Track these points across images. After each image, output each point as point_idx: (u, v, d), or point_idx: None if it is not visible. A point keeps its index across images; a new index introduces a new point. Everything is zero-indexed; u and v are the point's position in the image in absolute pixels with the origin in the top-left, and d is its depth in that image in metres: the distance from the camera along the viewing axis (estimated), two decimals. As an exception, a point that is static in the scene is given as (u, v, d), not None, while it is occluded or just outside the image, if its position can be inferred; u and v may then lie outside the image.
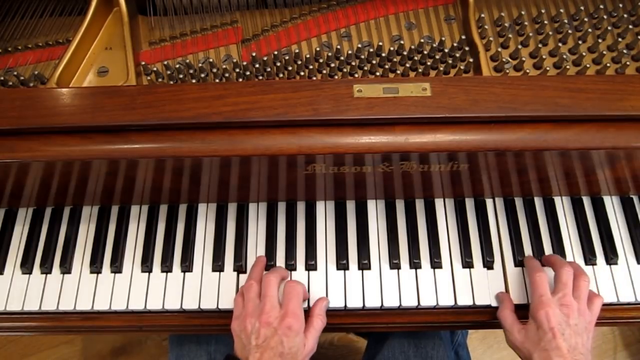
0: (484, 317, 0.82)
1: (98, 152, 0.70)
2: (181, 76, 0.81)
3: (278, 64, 0.82)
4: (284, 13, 0.88)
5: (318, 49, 0.83)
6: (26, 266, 0.84)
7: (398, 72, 0.81)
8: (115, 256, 0.84)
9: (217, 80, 0.81)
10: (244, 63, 0.82)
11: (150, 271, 0.83)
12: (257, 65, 0.80)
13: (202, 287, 0.82)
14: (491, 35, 0.84)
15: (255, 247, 0.84)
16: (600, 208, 0.87)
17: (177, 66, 0.82)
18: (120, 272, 0.83)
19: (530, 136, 0.69)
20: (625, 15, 0.85)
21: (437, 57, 0.82)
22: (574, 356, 0.68)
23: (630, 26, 0.84)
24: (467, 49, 0.82)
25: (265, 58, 0.82)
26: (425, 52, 0.83)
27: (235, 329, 0.73)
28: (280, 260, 0.83)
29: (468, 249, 0.83)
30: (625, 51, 0.83)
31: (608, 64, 0.81)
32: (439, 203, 0.87)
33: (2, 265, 0.85)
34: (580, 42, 0.83)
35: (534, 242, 0.84)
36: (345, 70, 0.82)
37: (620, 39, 0.83)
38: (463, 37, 0.83)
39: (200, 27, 0.87)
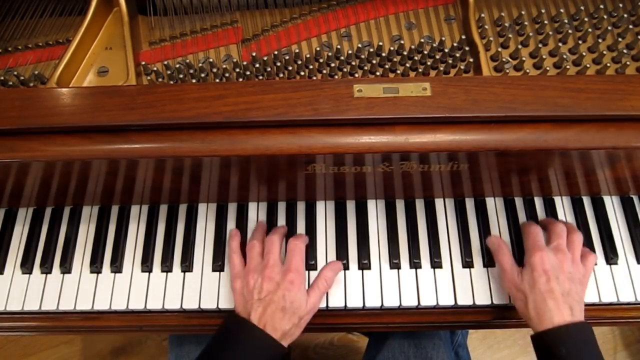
0: (484, 317, 0.82)
1: (98, 152, 0.70)
2: (181, 76, 0.81)
3: (278, 64, 0.82)
4: (284, 13, 0.88)
5: (318, 49, 0.83)
6: (26, 266, 0.84)
7: (398, 72, 0.81)
8: (115, 256, 0.84)
9: (217, 80, 0.81)
10: (244, 63, 0.82)
11: (150, 271, 0.83)
12: (257, 65, 0.80)
13: (202, 287, 0.82)
14: (491, 35, 0.84)
15: (255, 247, 0.84)
16: (600, 208, 0.87)
17: (177, 66, 0.82)
18: (120, 272, 0.83)
19: (530, 136, 0.69)
20: (625, 15, 0.85)
21: (437, 57, 0.82)
22: (567, 301, 0.69)
23: (630, 26, 0.84)
24: (467, 49, 0.82)
25: (265, 58, 0.82)
26: (425, 52, 0.83)
27: (236, 286, 0.75)
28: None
29: (468, 249, 0.83)
30: (625, 51, 0.83)
31: (608, 64, 0.81)
32: (439, 203, 0.87)
33: (2, 265, 0.85)
34: (580, 42, 0.83)
35: (534, 242, 0.84)
36: (345, 70, 0.82)
37: (620, 39, 0.83)
38: (463, 37, 0.83)
39: (200, 27, 0.87)
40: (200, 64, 0.83)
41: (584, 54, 0.81)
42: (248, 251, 0.78)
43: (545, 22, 0.85)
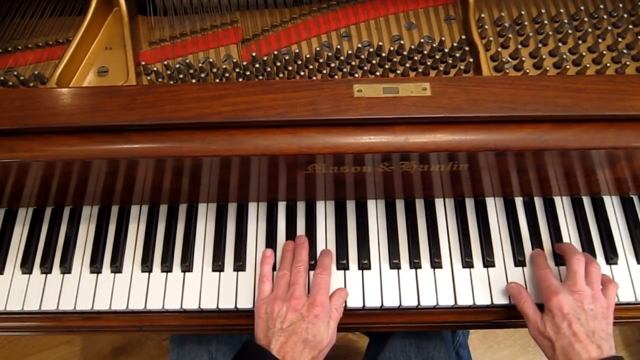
0: (484, 317, 0.82)
1: (98, 152, 0.70)
2: (181, 76, 0.81)
3: (278, 64, 0.82)
4: (284, 13, 0.88)
5: (318, 49, 0.83)
6: (26, 266, 0.84)
7: (398, 72, 0.81)
8: (115, 256, 0.84)
9: (217, 80, 0.81)
10: (244, 63, 0.82)
11: (150, 271, 0.83)
12: (257, 65, 0.80)
13: (202, 287, 0.82)
14: (491, 35, 0.84)
15: (255, 247, 0.84)
16: (600, 208, 0.87)
17: (177, 66, 0.82)
18: (120, 272, 0.83)
19: (530, 136, 0.69)
20: (625, 15, 0.85)
21: (437, 57, 0.82)
22: (594, 341, 0.67)
23: (630, 26, 0.84)
24: (467, 49, 0.82)
25: (265, 58, 0.82)
26: (425, 52, 0.83)
27: (260, 312, 0.74)
28: (279, 260, 0.83)
29: (468, 249, 0.83)
30: (625, 51, 0.83)
31: (608, 64, 0.81)
32: (439, 203, 0.87)
33: (2, 265, 0.85)
34: (580, 42, 0.83)
35: (534, 242, 0.84)
36: (345, 70, 0.82)
37: (620, 39, 0.83)
38: (463, 37, 0.83)
39: (200, 27, 0.87)
40: (200, 64, 0.83)
41: (584, 54, 0.81)
42: (278, 279, 0.77)
43: (545, 22, 0.85)
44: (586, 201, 0.88)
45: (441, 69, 0.80)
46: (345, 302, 0.80)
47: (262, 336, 0.72)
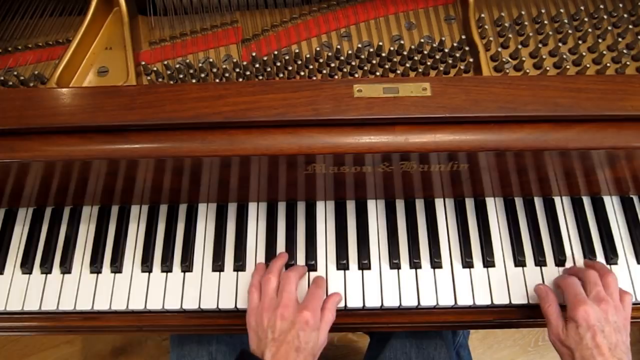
0: (484, 317, 0.82)
1: (98, 152, 0.70)
2: (181, 76, 0.81)
3: (278, 64, 0.82)
4: (284, 13, 0.88)
5: (318, 49, 0.83)
6: (26, 266, 0.84)
7: (398, 72, 0.81)
8: (115, 256, 0.84)
9: (217, 80, 0.81)
10: (244, 63, 0.82)
11: (150, 271, 0.83)
12: (257, 65, 0.80)
13: (202, 287, 0.82)
14: (491, 35, 0.84)
15: (255, 247, 0.84)
16: (600, 208, 0.87)
17: (177, 66, 0.82)
18: (120, 272, 0.83)
19: (530, 136, 0.69)
20: (625, 15, 0.85)
21: (437, 57, 0.82)
22: (616, 354, 0.67)
23: (630, 26, 0.84)
24: (467, 49, 0.82)
25: (265, 58, 0.82)
26: (425, 52, 0.83)
27: (251, 323, 0.73)
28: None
29: (468, 249, 0.83)
30: (625, 51, 0.83)
31: (608, 64, 0.81)
32: (439, 203, 0.87)
33: (2, 265, 0.85)
34: (580, 42, 0.83)
35: (534, 242, 0.84)
36: (345, 70, 0.82)
37: (620, 39, 0.83)
38: (463, 37, 0.83)
39: (200, 27, 0.87)
40: (200, 64, 0.83)
41: (584, 54, 0.81)
42: (263, 285, 0.75)
43: (545, 22, 0.85)
44: (586, 201, 0.88)
45: (441, 69, 0.80)
46: (346, 302, 0.80)
47: (255, 347, 0.71)
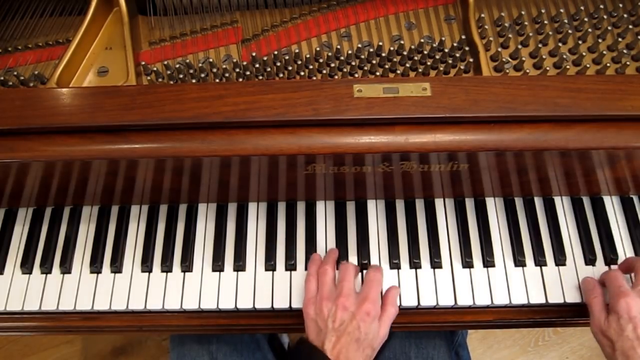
0: (484, 317, 0.82)
1: (98, 152, 0.70)
2: (181, 76, 0.81)
3: (278, 64, 0.82)
4: (284, 13, 0.88)
5: (318, 49, 0.83)
6: (26, 266, 0.84)
7: (398, 72, 0.81)
8: (115, 256, 0.84)
9: (217, 80, 0.81)
10: (244, 63, 0.82)
11: (150, 271, 0.83)
12: (257, 65, 0.80)
13: (202, 287, 0.82)
14: (491, 35, 0.84)
15: (255, 247, 0.84)
16: (600, 208, 0.87)
17: (177, 66, 0.82)
18: (120, 272, 0.83)
19: (530, 136, 0.69)
20: (625, 15, 0.85)
21: (437, 57, 0.82)
22: None
23: (630, 26, 0.84)
24: (467, 49, 0.82)
25: (265, 58, 0.82)
26: (425, 52, 0.83)
27: (309, 313, 0.73)
28: (280, 259, 0.83)
29: (468, 249, 0.83)
30: (625, 51, 0.83)
31: (608, 64, 0.81)
32: (439, 203, 0.87)
33: (2, 265, 0.85)
34: (580, 42, 0.83)
35: (534, 242, 0.84)
36: (345, 70, 0.82)
37: (620, 39, 0.83)
38: (463, 37, 0.83)
39: (200, 27, 0.87)
40: (200, 64, 0.83)
41: (584, 54, 0.81)
42: (320, 276, 0.75)
43: (545, 22, 0.85)
44: (586, 201, 0.88)
45: (441, 69, 0.80)
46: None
47: (314, 337, 0.71)
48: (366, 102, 0.69)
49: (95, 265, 0.83)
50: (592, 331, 0.74)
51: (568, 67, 0.81)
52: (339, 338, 0.68)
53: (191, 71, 0.81)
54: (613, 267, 0.82)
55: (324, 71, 0.81)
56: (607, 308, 0.73)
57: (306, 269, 0.82)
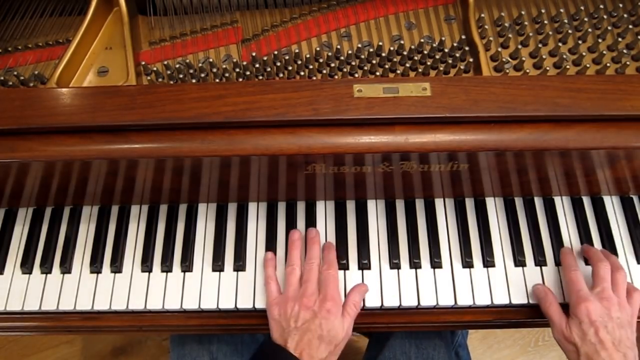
0: (484, 317, 0.82)
1: (98, 152, 0.70)
2: (181, 76, 0.81)
3: (278, 64, 0.82)
4: (284, 13, 0.88)
5: (318, 49, 0.83)
6: (26, 266, 0.84)
7: (398, 72, 0.81)
8: (115, 256, 0.84)
9: (217, 80, 0.81)
10: (244, 63, 0.82)
11: (150, 271, 0.83)
12: (257, 65, 0.80)
13: (202, 287, 0.82)
14: (491, 35, 0.84)
15: (255, 247, 0.84)
16: (600, 208, 0.87)
17: (177, 66, 0.82)
18: (120, 272, 0.83)
19: (530, 136, 0.69)
20: (625, 15, 0.85)
21: (437, 57, 0.82)
22: (620, 349, 0.67)
23: (630, 26, 0.84)
24: (467, 49, 0.82)
25: (265, 58, 0.82)
26: (425, 52, 0.83)
27: (273, 314, 0.75)
28: (281, 259, 0.83)
29: (468, 249, 0.83)
30: (625, 51, 0.83)
31: (608, 64, 0.81)
32: (439, 203, 0.87)
33: (2, 265, 0.85)
34: (580, 42, 0.83)
35: (534, 242, 0.84)
36: (345, 70, 0.82)
37: (620, 39, 0.83)
38: (463, 37, 0.83)
39: (200, 27, 0.87)
40: (200, 64, 0.83)
41: (584, 54, 0.81)
42: (288, 275, 0.78)
43: (545, 22, 0.85)
44: (586, 201, 0.88)
45: (441, 69, 0.80)
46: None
47: (277, 336, 0.73)
48: (366, 102, 0.69)
49: (95, 265, 0.83)
50: (555, 338, 0.74)
51: (568, 67, 0.81)
52: (302, 336, 0.70)
53: (191, 71, 0.81)
54: (613, 267, 0.82)
55: (324, 71, 0.81)
56: (564, 313, 0.73)
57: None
